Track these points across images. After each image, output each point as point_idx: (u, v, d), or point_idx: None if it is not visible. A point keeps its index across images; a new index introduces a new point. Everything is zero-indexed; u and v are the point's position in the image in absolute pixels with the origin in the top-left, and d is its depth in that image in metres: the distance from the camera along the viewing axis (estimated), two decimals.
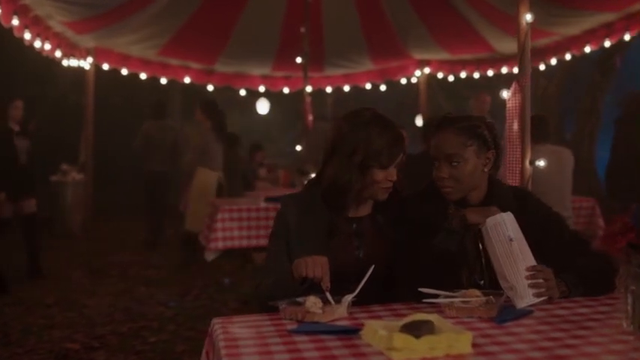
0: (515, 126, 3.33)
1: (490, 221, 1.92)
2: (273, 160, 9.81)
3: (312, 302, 1.78)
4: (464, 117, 2.14)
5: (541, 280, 1.85)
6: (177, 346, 4.31)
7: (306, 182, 2.42)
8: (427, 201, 2.16)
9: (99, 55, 7.61)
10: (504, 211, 1.98)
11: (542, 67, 7.45)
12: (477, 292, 1.81)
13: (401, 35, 7.85)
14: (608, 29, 6.25)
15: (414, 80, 8.77)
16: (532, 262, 1.89)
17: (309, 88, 6.91)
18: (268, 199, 5.22)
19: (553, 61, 7.13)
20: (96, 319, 4.92)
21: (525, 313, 1.77)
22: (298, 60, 6.81)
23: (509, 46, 7.43)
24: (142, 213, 8.09)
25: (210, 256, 4.97)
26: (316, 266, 1.90)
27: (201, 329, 4.60)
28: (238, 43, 7.71)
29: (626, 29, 6.03)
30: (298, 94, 8.98)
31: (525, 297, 1.84)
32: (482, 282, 2.07)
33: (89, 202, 8.15)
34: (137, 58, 7.89)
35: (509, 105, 3.43)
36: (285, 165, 9.25)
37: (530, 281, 1.85)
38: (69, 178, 8.42)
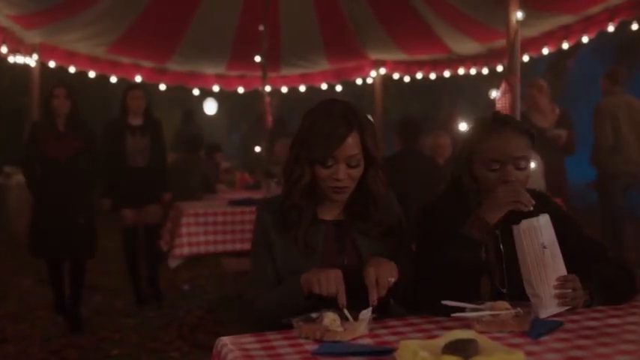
0: None
1: (525, 224, 1.81)
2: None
3: (331, 319, 1.64)
4: (509, 116, 2.04)
5: (569, 290, 1.77)
6: (142, 359, 4.11)
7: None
8: (449, 206, 2.04)
9: (44, 51, 7.21)
10: (527, 215, 1.88)
11: (499, 68, 7.48)
12: (505, 304, 1.71)
13: (358, 35, 7.77)
14: (565, 31, 6.31)
15: (369, 81, 8.70)
16: (563, 270, 1.81)
17: (268, 88, 6.76)
18: (233, 203, 5.05)
19: None
20: (51, 331, 4.65)
21: (556, 325, 1.68)
22: (257, 59, 6.66)
23: (466, 47, 7.47)
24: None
25: (173, 263, 4.75)
26: (330, 283, 1.75)
27: (166, 340, 4.42)
28: (192, 41, 7.46)
29: (584, 32, 6.10)
30: (240, 95, 8.84)
31: (549, 307, 1.76)
32: (504, 290, 1.97)
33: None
34: (85, 56, 7.53)
35: (498, 105, 3.39)
36: (237, 167, 9.08)
37: (557, 291, 1.76)
38: (12, 181, 8.00)
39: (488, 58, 7.37)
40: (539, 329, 1.63)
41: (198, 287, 5.97)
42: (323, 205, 2.02)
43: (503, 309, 1.69)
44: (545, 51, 6.66)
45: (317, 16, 7.42)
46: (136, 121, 5.35)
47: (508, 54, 3.47)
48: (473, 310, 1.72)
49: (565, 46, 6.41)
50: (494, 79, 9.92)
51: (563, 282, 1.78)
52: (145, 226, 5.40)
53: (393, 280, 1.77)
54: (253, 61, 7.18)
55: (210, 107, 13.84)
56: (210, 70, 8.33)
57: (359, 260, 1.97)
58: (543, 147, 4.95)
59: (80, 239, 4.72)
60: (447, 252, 1.89)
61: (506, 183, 1.91)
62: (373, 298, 1.74)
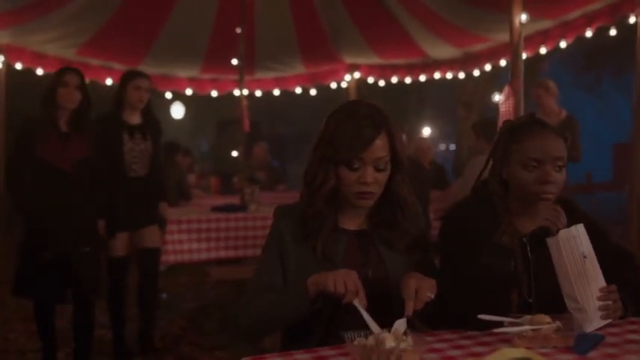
0: None
1: (564, 234, 1.74)
2: None
3: (394, 338, 1.52)
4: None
5: (610, 302, 1.72)
6: None
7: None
8: (475, 213, 1.97)
9: (11, 53, 6.98)
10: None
11: (476, 72, 7.51)
12: (546, 317, 1.65)
13: (333, 38, 7.71)
14: (544, 36, 6.35)
15: (344, 85, 8.65)
16: (602, 281, 1.76)
17: (245, 91, 6.65)
18: (216, 209, 4.93)
19: (487, 67, 7.19)
20: (26, 345, 4.46)
21: (599, 339, 1.63)
22: (234, 62, 6.55)
23: (442, 51, 7.46)
24: None
25: None
26: (348, 280, 1.63)
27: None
28: (165, 43, 7.29)
29: (562, 37, 6.15)
30: (205, 99, 8.68)
31: (594, 320, 1.71)
32: (530, 300, 1.92)
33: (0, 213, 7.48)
34: (54, 58, 7.29)
35: (502, 109, 3.35)
36: (210, 172, 8.94)
37: (601, 303, 1.71)
38: None
39: (464, 62, 7.39)
40: (584, 344, 1.57)
41: (177, 295, 5.82)
42: (345, 212, 1.93)
43: (544, 323, 1.63)
44: (524, 56, 6.68)
45: (293, 19, 7.34)
46: (134, 119, 4.31)
47: (511, 57, 3.45)
48: (512, 324, 1.65)
49: (543, 50, 6.45)
50: (463, 83, 10.03)
51: (606, 293, 1.73)
52: (142, 252, 4.32)
53: (432, 296, 1.68)
54: (227, 64, 7.04)
55: (178, 111, 13.65)
56: (183, 73, 8.17)
57: (384, 273, 1.88)
58: None
59: (85, 274, 3.77)
60: (478, 262, 1.82)
61: (545, 184, 1.86)
62: (410, 309, 1.63)
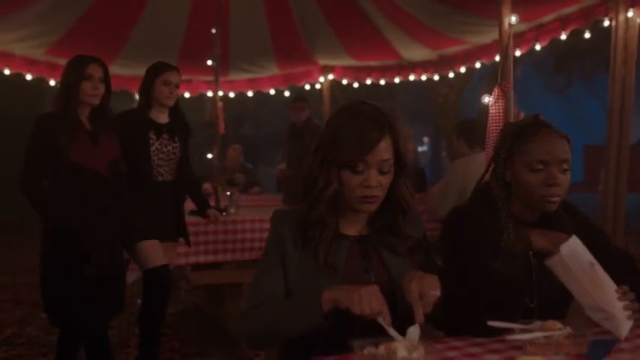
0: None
1: (565, 249, 1.70)
2: None
3: (406, 348, 1.47)
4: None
5: (628, 302, 1.70)
6: None
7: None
8: (479, 217, 1.94)
9: None
10: (560, 229, 1.81)
11: (451, 74, 7.53)
12: (557, 323, 1.62)
13: (308, 39, 7.66)
14: (519, 39, 6.38)
15: (318, 86, 8.61)
16: (613, 283, 1.73)
17: (220, 93, 6.57)
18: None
19: (462, 70, 7.21)
20: None
21: (612, 344, 1.60)
22: (209, 63, 6.46)
23: (416, 53, 7.47)
24: (26, 230, 7.32)
25: (131, 278, 4.47)
26: (373, 301, 1.57)
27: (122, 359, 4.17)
28: (137, 44, 7.17)
29: (536, 40, 6.20)
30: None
31: (624, 324, 1.68)
32: (532, 305, 1.89)
33: None
34: (21, 58, 7.13)
35: (492, 111, 3.32)
36: None
37: (623, 304, 1.68)
38: None
39: (438, 64, 7.41)
40: (597, 351, 1.55)
41: None
42: (345, 217, 1.87)
43: (556, 329, 1.60)
44: (498, 58, 6.71)
45: (267, 20, 7.27)
46: (162, 117, 3.88)
47: (500, 59, 3.42)
48: (523, 330, 1.62)
49: (517, 53, 6.49)
50: (436, 86, 10.09)
51: (623, 294, 1.70)
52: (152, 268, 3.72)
53: (437, 294, 1.63)
54: (200, 65, 6.96)
55: None
56: None
57: (388, 278, 1.84)
58: None
59: (121, 289, 3.37)
60: (487, 268, 1.79)
61: (551, 186, 1.84)
62: (420, 315, 1.58)
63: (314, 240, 1.82)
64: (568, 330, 1.60)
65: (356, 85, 8.43)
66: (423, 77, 7.70)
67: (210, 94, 7.88)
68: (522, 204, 1.94)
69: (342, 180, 1.78)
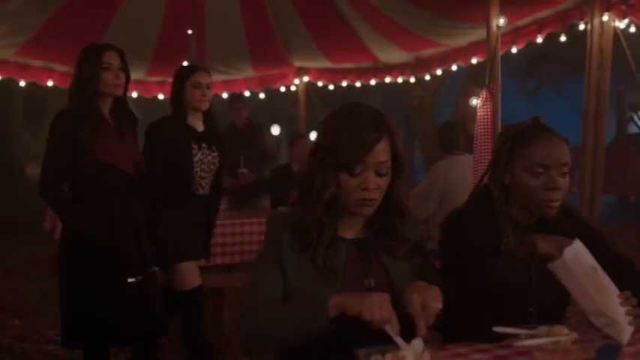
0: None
1: (569, 253, 1.69)
2: None
3: (415, 356, 1.44)
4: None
5: (630, 308, 1.69)
6: None
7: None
8: (478, 220, 1.92)
9: None
10: (558, 233, 1.80)
11: (427, 77, 7.55)
12: (564, 329, 1.61)
13: (284, 41, 7.63)
14: None
15: (293, 88, 8.57)
16: (615, 287, 1.72)
17: None
18: None
19: (439, 72, 7.23)
20: None
21: (617, 349, 1.59)
22: (184, 64, 6.36)
23: (393, 55, 7.48)
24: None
25: None
26: (383, 307, 1.55)
27: None
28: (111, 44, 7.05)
29: (513, 42, 6.23)
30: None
31: (626, 330, 1.67)
32: (531, 309, 1.88)
33: None
34: None
35: (480, 113, 3.32)
36: None
37: (625, 309, 1.68)
38: None
39: (415, 67, 7.42)
40: (605, 356, 1.53)
41: None
42: (342, 220, 1.84)
43: (562, 334, 1.59)
44: (474, 60, 6.75)
45: (243, 22, 7.22)
46: (198, 124, 3.63)
47: (488, 61, 3.42)
48: (529, 336, 1.60)
49: None
50: (411, 88, 10.12)
51: (625, 300, 1.70)
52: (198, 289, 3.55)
53: (439, 306, 1.61)
54: (175, 66, 6.86)
55: None
56: None
57: (388, 282, 1.81)
58: None
59: (156, 301, 3.08)
60: (489, 272, 1.77)
61: (551, 190, 1.83)
62: (422, 328, 1.56)
63: (312, 243, 1.79)
64: (575, 335, 1.59)
65: (331, 87, 8.41)
66: (400, 79, 7.71)
67: None
68: (521, 207, 1.93)
69: (339, 182, 1.75)
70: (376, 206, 1.79)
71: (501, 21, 3.41)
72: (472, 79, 9.42)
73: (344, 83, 8.22)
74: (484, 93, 3.35)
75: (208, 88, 3.59)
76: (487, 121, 3.25)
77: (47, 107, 14.61)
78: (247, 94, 8.47)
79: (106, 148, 2.88)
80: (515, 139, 1.92)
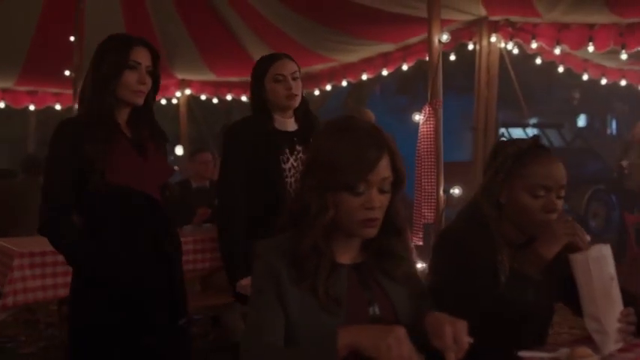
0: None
1: (594, 252, 1.69)
2: None
3: None
4: None
5: (626, 325, 1.71)
6: None
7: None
8: (475, 238, 1.87)
9: None
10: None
11: (316, 92, 7.57)
12: (587, 350, 1.58)
13: (167, 52, 7.34)
14: (385, 59, 6.58)
15: (174, 101, 8.28)
16: (621, 304, 1.74)
17: (77, 106, 6.04)
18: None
19: (328, 87, 7.28)
20: None
21: None
22: (67, 73, 5.95)
23: None
24: None
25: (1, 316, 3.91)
26: (403, 348, 1.42)
27: None
28: None
29: (403, 60, 6.41)
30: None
31: (611, 344, 1.68)
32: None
33: None
34: None
35: (422, 129, 3.28)
36: None
37: (620, 326, 1.69)
38: None
39: (305, 81, 7.38)
40: None
41: (8, 340, 5.04)
42: (337, 244, 1.68)
43: (587, 356, 1.57)
44: (364, 77, 6.86)
45: (126, 30, 6.86)
46: (289, 124, 2.84)
47: (430, 77, 3.41)
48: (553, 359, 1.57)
49: (385, 72, 6.67)
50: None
51: (626, 316, 1.71)
52: None
53: (470, 340, 1.50)
54: (47, 75, 6.41)
55: None
56: None
57: (391, 308, 1.70)
58: None
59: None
60: (495, 293, 1.73)
61: (550, 212, 1.82)
62: None
63: (311, 273, 1.64)
64: (598, 357, 1.58)
65: (215, 100, 8.21)
66: None
67: (58, 107, 7.27)
68: (513, 226, 1.91)
69: (339, 204, 1.62)
70: (379, 226, 1.69)
71: (444, 37, 3.43)
72: (353, 96, 9.62)
73: (229, 97, 8.05)
74: (427, 109, 3.34)
75: (294, 79, 2.79)
76: (430, 137, 3.25)
77: None
78: None
79: (123, 168, 2.20)
80: (517, 158, 1.90)
